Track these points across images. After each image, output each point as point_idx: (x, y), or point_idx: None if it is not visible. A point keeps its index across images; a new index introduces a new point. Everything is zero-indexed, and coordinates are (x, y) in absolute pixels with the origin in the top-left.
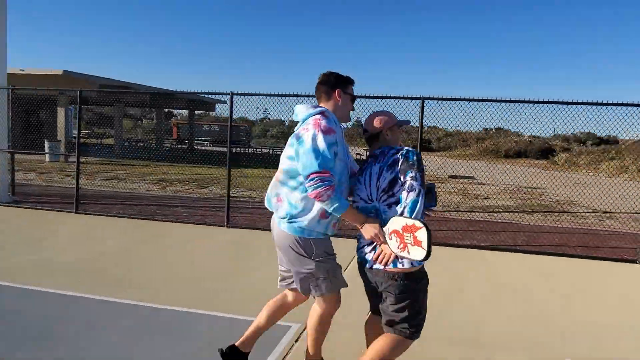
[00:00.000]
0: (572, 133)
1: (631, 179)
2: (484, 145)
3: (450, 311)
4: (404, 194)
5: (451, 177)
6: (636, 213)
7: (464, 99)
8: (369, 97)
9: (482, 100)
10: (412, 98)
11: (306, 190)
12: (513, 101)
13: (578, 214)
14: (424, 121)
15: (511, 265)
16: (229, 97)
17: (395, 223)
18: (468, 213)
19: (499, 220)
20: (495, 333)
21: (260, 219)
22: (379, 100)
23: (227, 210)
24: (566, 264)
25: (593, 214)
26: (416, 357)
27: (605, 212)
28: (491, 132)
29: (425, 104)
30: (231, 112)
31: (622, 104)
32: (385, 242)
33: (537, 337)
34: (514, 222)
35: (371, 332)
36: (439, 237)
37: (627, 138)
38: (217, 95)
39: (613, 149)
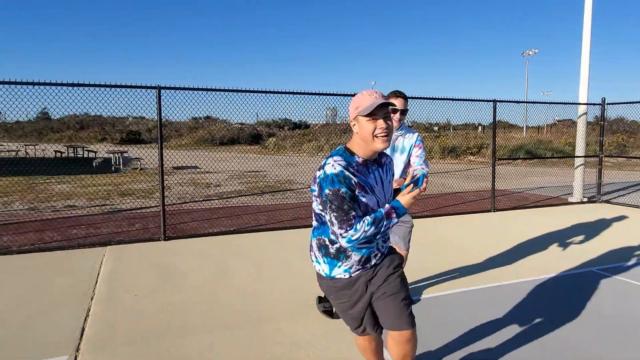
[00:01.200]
0: (273, 119)
1: (325, 155)
2: (198, 134)
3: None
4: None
5: (175, 168)
6: None
7: (174, 87)
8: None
9: (191, 89)
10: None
11: None
12: (222, 90)
13: (299, 190)
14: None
15: (263, 243)
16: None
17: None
18: (206, 202)
19: (238, 205)
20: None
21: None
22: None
23: None
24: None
25: (307, 188)
26: None
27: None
28: (201, 120)
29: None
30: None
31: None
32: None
33: None
34: (251, 204)
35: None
36: (186, 229)
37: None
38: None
39: (309, 132)
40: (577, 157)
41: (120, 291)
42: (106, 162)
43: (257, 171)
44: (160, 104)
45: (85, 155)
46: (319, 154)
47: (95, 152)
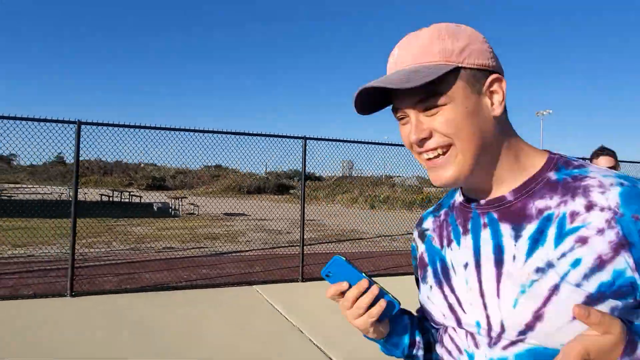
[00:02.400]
0: (282, 170)
1: (362, 208)
2: (226, 182)
3: None
4: None
5: (226, 214)
6: (409, 233)
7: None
8: None
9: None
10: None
11: None
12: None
13: (370, 239)
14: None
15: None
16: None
17: None
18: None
19: (329, 252)
20: None
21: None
22: None
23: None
24: None
25: (379, 238)
26: None
27: (387, 235)
28: (212, 168)
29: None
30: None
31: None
32: None
33: None
34: (343, 251)
35: None
36: (315, 272)
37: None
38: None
39: (345, 182)
40: None
41: (322, 322)
42: (164, 206)
43: (310, 220)
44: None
45: (131, 200)
46: (354, 205)
47: (140, 197)
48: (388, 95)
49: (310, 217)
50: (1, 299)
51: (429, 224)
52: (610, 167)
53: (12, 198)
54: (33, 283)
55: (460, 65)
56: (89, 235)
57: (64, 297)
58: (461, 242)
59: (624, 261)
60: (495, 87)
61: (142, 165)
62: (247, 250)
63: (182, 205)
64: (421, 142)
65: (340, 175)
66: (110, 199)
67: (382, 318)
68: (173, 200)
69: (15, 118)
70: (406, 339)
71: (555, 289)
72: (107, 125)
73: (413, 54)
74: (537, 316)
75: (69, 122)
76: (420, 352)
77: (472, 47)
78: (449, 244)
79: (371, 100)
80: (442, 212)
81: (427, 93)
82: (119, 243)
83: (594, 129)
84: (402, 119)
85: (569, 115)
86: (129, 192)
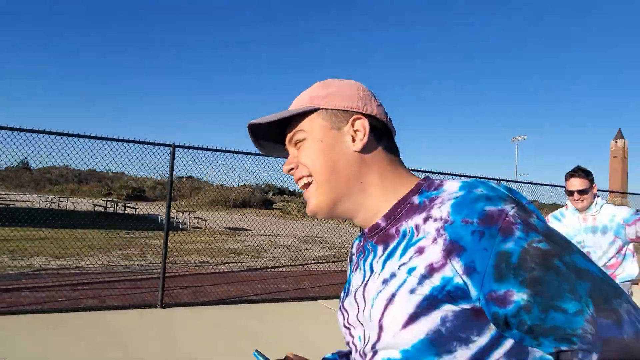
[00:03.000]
0: (256, 183)
1: (355, 225)
2: (211, 195)
3: None
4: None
5: (228, 229)
6: None
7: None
8: None
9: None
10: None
11: None
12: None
13: None
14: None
15: None
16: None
17: None
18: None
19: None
20: None
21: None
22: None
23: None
24: None
25: None
26: None
27: None
28: (183, 179)
29: None
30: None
31: None
32: None
33: None
34: None
35: None
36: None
37: None
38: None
39: None
40: None
41: None
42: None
43: (316, 236)
44: None
45: (125, 211)
46: (346, 222)
47: (135, 209)
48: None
49: (312, 233)
50: (89, 310)
51: (354, 248)
52: (583, 190)
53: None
54: (113, 295)
55: (321, 107)
56: (114, 247)
57: (154, 308)
58: (360, 267)
59: (451, 268)
60: (357, 125)
61: (118, 174)
62: (282, 266)
63: (189, 219)
64: (291, 171)
65: None
66: (105, 209)
67: None
68: (178, 214)
69: (120, 140)
70: None
71: (391, 297)
72: (200, 148)
73: (293, 103)
74: (380, 326)
75: (165, 144)
76: None
77: (338, 93)
78: (355, 269)
79: (278, 141)
80: (355, 250)
81: (294, 131)
82: (152, 256)
83: (568, 154)
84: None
85: (544, 140)
86: (125, 204)
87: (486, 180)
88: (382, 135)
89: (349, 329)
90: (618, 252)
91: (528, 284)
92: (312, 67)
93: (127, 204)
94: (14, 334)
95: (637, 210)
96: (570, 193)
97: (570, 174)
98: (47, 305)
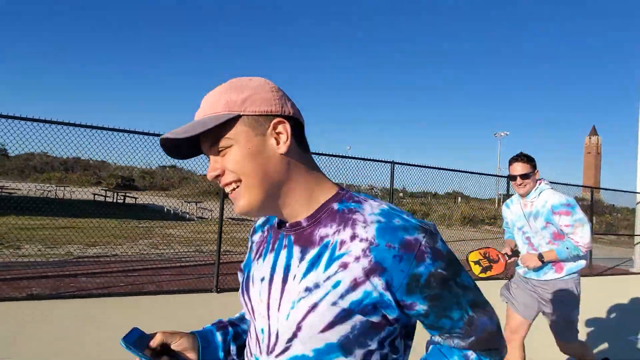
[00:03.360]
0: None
1: None
2: (203, 185)
3: None
4: None
5: (230, 219)
6: None
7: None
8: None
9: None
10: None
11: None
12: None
13: None
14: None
15: None
16: None
17: None
18: None
19: None
20: None
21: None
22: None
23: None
24: None
25: None
26: None
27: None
28: (168, 170)
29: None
30: None
31: None
32: None
33: None
34: None
35: None
36: None
37: None
38: None
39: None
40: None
41: None
42: (175, 209)
43: None
44: None
45: (126, 201)
46: None
47: (135, 198)
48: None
49: None
50: (149, 294)
51: (256, 236)
52: (525, 174)
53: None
54: (166, 280)
55: (241, 113)
56: (138, 237)
57: (210, 292)
58: (266, 258)
59: (372, 284)
60: (279, 129)
61: (103, 163)
62: None
63: (195, 209)
64: (217, 178)
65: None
66: (105, 199)
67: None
68: (183, 204)
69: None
70: (220, 354)
71: (314, 306)
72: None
73: (205, 107)
74: (299, 327)
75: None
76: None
77: (255, 97)
78: (257, 259)
79: (189, 145)
80: (267, 227)
81: (215, 138)
82: (181, 246)
83: (548, 150)
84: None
85: (526, 136)
86: (124, 193)
87: (399, 210)
88: (300, 134)
89: (254, 317)
90: (554, 238)
91: (429, 299)
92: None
93: (126, 194)
94: (103, 312)
95: (569, 204)
96: (513, 178)
97: (514, 159)
98: (112, 289)
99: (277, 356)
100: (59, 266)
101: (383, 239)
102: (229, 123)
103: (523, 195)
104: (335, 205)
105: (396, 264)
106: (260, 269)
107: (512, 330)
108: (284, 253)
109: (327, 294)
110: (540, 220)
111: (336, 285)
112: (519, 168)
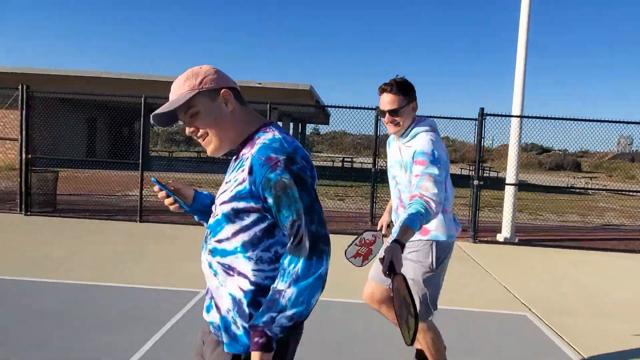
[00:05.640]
0: None
1: None
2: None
3: None
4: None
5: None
6: None
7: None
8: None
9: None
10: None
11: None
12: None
13: None
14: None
15: None
16: None
17: None
18: None
19: None
20: None
21: None
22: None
23: None
24: None
25: None
26: None
27: None
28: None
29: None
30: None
31: None
32: None
33: None
34: None
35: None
36: None
37: None
38: None
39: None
40: None
41: None
42: None
43: None
44: None
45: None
46: None
47: None
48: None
49: None
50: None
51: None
52: (394, 110)
53: None
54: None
55: (200, 90)
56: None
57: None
58: (227, 173)
59: (248, 180)
60: (226, 96)
61: None
62: None
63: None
64: (192, 133)
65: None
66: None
67: (192, 207)
68: None
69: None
70: (208, 201)
71: (224, 191)
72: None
73: (175, 89)
74: (220, 202)
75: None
76: None
77: (207, 78)
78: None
79: (169, 115)
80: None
81: (187, 108)
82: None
83: None
84: (183, 122)
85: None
86: None
87: (286, 137)
88: (238, 96)
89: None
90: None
91: (274, 197)
92: None
93: None
94: None
95: (432, 154)
96: (382, 114)
97: (381, 88)
98: None
99: (211, 219)
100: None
101: (258, 153)
102: (194, 98)
103: (398, 137)
104: (255, 135)
105: (259, 169)
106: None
107: (366, 298)
108: (231, 166)
109: (230, 185)
110: (408, 173)
111: (235, 180)
112: (387, 100)
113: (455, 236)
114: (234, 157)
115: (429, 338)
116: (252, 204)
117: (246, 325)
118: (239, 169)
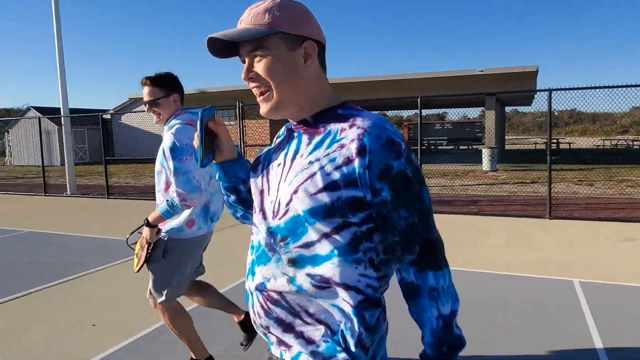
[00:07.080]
0: None
1: None
2: None
3: None
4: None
5: None
6: None
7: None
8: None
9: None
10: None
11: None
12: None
13: None
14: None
15: None
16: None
17: None
18: None
19: None
20: None
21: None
22: None
23: None
24: None
25: None
26: None
27: None
28: None
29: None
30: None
31: None
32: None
33: None
34: None
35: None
36: None
37: None
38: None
39: None
40: None
41: None
42: None
43: None
44: None
45: None
46: None
47: None
48: (237, 44)
49: None
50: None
51: (279, 139)
52: (152, 101)
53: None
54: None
55: (280, 30)
56: None
57: (543, 219)
58: (281, 150)
59: (359, 162)
60: (309, 49)
61: None
62: None
63: None
64: (250, 79)
65: None
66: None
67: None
68: None
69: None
70: (242, 175)
71: (312, 175)
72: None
73: (251, 17)
74: (295, 190)
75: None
76: (244, 195)
77: (296, 20)
78: (276, 151)
79: (226, 47)
80: (285, 130)
81: (255, 46)
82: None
83: None
84: (244, 62)
85: None
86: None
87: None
88: (322, 54)
89: (262, 193)
90: (166, 189)
91: (392, 190)
92: None
93: None
94: None
95: (173, 148)
96: (144, 104)
97: (142, 82)
98: None
99: (280, 218)
100: None
101: (376, 130)
102: (270, 36)
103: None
104: (340, 111)
105: (379, 151)
106: (277, 157)
107: (186, 297)
108: (294, 142)
109: (323, 166)
110: (157, 163)
111: (332, 160)
112: (146, 92)
113: (198, 233)
114: (294, 132)
115: (167, 319)
116: (360, 194)
117: (357, 348)
118: (332, 144)
